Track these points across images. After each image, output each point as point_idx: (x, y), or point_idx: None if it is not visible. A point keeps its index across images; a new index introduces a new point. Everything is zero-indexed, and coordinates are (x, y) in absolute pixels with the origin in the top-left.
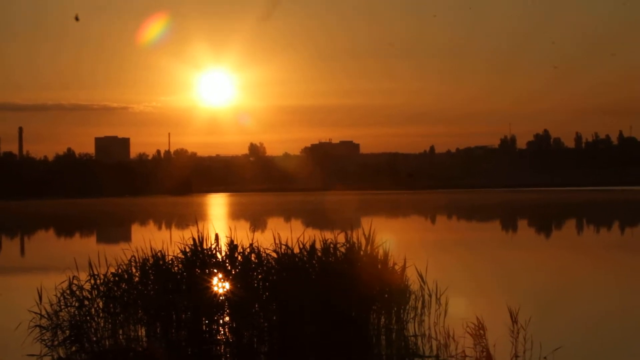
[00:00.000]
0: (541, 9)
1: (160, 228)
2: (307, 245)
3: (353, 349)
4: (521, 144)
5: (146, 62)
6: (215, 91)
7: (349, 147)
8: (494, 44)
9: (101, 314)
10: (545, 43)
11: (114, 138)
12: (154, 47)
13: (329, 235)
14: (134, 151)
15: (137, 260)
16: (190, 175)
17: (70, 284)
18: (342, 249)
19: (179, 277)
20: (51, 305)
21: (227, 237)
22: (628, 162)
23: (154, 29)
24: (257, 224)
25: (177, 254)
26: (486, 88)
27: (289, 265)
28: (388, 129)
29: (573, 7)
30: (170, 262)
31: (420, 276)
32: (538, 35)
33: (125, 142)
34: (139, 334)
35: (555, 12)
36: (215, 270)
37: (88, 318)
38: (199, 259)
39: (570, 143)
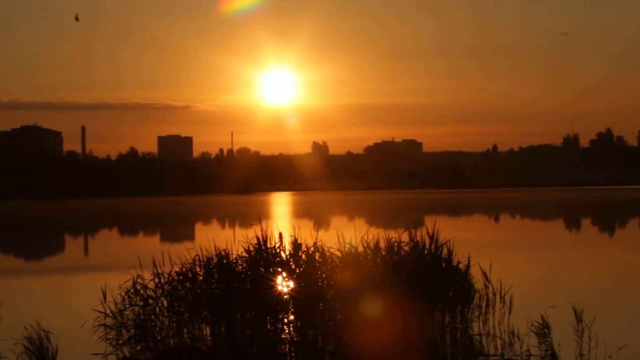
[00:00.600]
0: (603, 4)
1: (223, 227)
2: (371, 244)
3: (418, 348)
4: (584, 142)
5: (209, 62)
6: (278, 90)
7: (412, 145)
8: (555, 41)
9: (165, 313)
10: (606, 40)
11: (177, 137)
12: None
13: (392, 234)
14: (197, 150)
15: (201, 259)
16: (253, 174)
17: (135, 282)
18: (406, 248)
19: (243, 276)
20: (115, 304)
21: (290, 235)
22: None
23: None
24: (321, 222)
25: (241, 252)
26: (548, 86)
27: (353, 264)
28: (451, 127)
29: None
30: (234, 261)
31: (485, 275)
32: (599, 32)
33: (188, 141)
34: (204, 333)
35: (615, 8)
36: (279, 269)
37: (152, 317)
38: (263, 257)
39: (633, 141)
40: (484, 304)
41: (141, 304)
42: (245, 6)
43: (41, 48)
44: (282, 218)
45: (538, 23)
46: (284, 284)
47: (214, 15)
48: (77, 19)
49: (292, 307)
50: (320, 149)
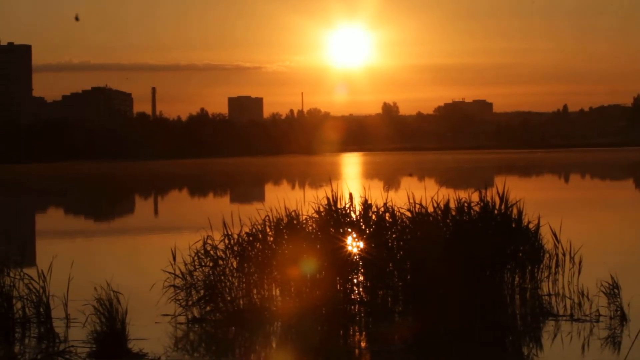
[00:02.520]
0: None
1: (293, 187)
2: (441, 205)
3: (487, 309)
4: None
5: (279, 22)
6: (349, 50)
7: (482, 106)
8: (633, 5)
9: (235, 274)
10: None
11: (247, 98)
12: None
13: (462, 195)
14: (267, 111)
15: (271, 220)
16: (324, 134)
17: (205, 243)
18: (476, 208)
19: (313, 236)
20: (185, 265)
21: (361, 196)
22: None
23: None
24: (391, 183)
25: (311, 213)
26: (620, 46)
27: (423, 224)
28: (521, 87)
29: None
30: (304, 221)
31: (554, 235)
32: None
33: (258, 102)
34: (273, 293)
35: None
36: (349, 230)
37: (222, 278)
38: (333, 218)
39: None
40: (553, 265)
41: (211, 264)
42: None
43: (109, 9)
44: (352, 179)
45: None
46: (353, 245)
47: None
48: (77, 19)
49: (361, 268)
50: (390, 109)
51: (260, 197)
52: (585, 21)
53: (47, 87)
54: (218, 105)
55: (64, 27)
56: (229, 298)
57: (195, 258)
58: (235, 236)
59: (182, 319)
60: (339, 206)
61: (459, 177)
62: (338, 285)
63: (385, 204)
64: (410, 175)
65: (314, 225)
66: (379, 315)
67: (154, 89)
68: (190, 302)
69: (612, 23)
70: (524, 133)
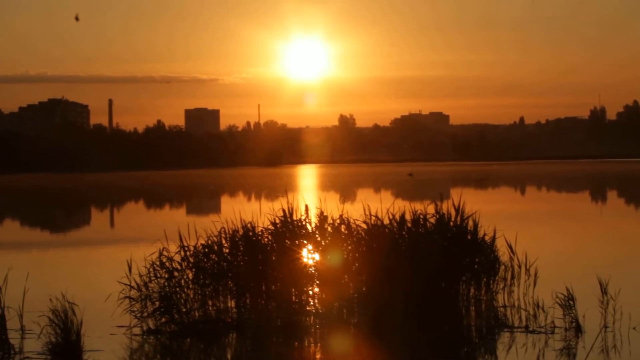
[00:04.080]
0: None
1: (250, 199)
2: (397, 217)
3: (443, 320)
4: (611, 114)
5: (236, 34)
6: (305, 62)
7: (439, 118)
8: (588, 16)
9: (191, 285)
10: (635, 14)
11: (204, 110)
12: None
13: (418, 206)
14: (224, 123)
15: (227, 231)
16: (280, 146)
17: (160, 255)
18: (432, 220)
19: (268, 248)
20: (141, 276)
21: (317, 208)
22: None
23: None
24: (347, 195)
25: (267, 225)
26: (576, 60)
27: (378, 236)
28: (478, 100)
29: None
30: (260, 233)
31: (510, 247)
32: (631, 6)
33: (215, 114)
34: (229, 305)
35: None
36: (305, 241)
37: (178, 289)
38: (289, 230)
39: None
40: (509, 276)
41: (166, 276)
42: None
43: (68, 21)
44: (308, 190)
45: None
46: (309, 256)
47: None
48: (77, 19)
49: (317, 279)
50: (347, 121)
51: (216, 209)
52: (542, 35)
53: (3, 99)
54: (175, 117)
55: (21, 39)
56: (184, 309)
57: (151, 269)
58: (191, 248)
59: (137, 330)
60: (294, 218)
61: (415, 188)
62: (293, 297)
63: (341, 215)
64: (410, 175)
65: (269, 236)
66: (334, 326)
67: (110, 101)
68: (145, 314)
69: (570, 38)
70: (481, 145)
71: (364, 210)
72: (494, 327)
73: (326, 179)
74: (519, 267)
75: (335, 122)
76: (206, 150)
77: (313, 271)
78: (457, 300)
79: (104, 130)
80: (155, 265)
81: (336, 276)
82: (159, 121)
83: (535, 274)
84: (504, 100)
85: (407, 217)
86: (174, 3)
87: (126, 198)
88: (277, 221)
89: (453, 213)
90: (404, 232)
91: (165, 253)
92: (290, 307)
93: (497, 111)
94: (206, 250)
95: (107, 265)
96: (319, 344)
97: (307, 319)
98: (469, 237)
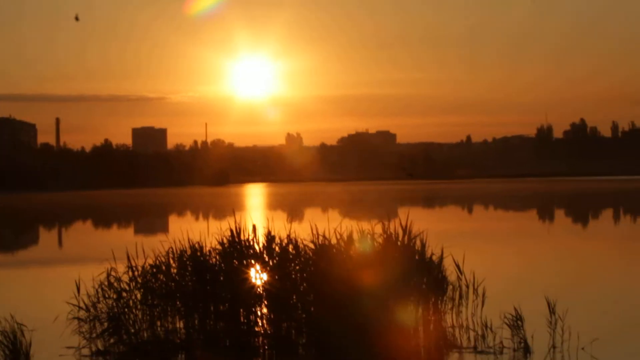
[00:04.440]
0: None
1: (197, 219)
2: (344, 236)
3: (390, 340)
4: (558, 133)
5: (183, 52)
6: (252, 81)
7: (386, 137)
8: (531, 33)
9: (139, 306)
10: (580, 31)
11: (151, 129)
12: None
13: (365, 226)
14: (171, 142)
15: (175, 251)
16: (228, 165)
17: (108, 275)
18: (380, 240)
19: (216, 268)
20: (89, 297)
21: (264, 227)
22: None
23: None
24: (295, 214)
25: (215, 245)
26: (521, 78)
27: (326, 256)
28: (424, 118)
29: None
30: (208, 253)
31: (458, 267)
32: (571, 24)
33: (162, 133)
34: (177, 325)
35: (596, 2)
36: (252, 262)
37: (126, 310)
38: (237, 250)
39: (606, 132)
40: (457, 296)
41: (115, 296)
42: (209, 5)
43: (13, 39)
44: (256, 210)
45: (529, 16)
46: (257, 277)
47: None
48: (77, 19)
49: (265, 300)
50: (294, 140)
51: (164, 229)
52: (489, 53)
53: None
54: (122, 136)
55: None
56: (132, 330)
57: (99, 290)
58: (139, 268)
59: (86, 351)
60: (242, 238)
61: (362, 208)
62: (241, 317)
63: (288, 235)
64: (411, 175)
65: (217, 257)
66: (282, 347)
67: (57, 120)
68: (94, 335)
69: (516, 56)
70: (427, 164)
71: (312, 230)
72: (442, 347)
73: (273, 198)
74: (467, 287)
75: (283, 141)
76: (154, 169)
77: (261, 291)
78: (404, 320)
79: (51, 149)
80: (103, 286)
81: (284, 296)
82: (106, 140)
83: (483, 294)
84: (451, 118)
85: (355, 236)
86: (122, 22)
87: (74, 217)
88: (225, 241)
89: (400, 233)
90: (351, 252)
91: (113, 273)
92: (238, 327)
93: (444, 129)
94: (154, 270)
95: (55, 285)
96: None
97: (256, 339)
98: (416, 257)
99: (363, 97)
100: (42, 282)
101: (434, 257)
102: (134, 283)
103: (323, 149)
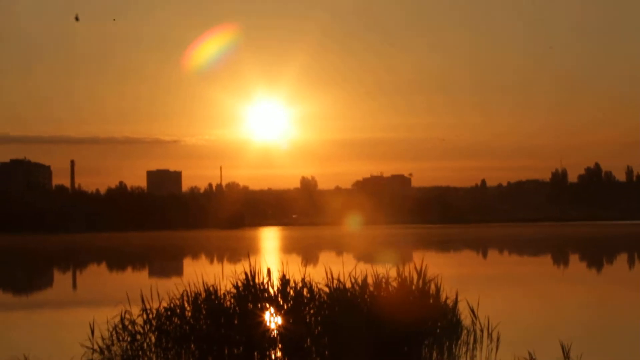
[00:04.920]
0: (595, 44)
1: (212, 262)
2: (359, 280)
3: None
4: (572, 177)
5: (198, 95)
6: (267, 125)
7: (401, 181)
8: (549, 79)
9: (153, 349)
10: (595, 78)
11: (166, 171)
12: (201, 75)
13: (380, 270)
14: (186, 184)
15: (189, 294)
16: (242, 208)
17: (123, 318)
18: (394, 284)
19: (231, 311)
20: (103, 339)
21: (279, 271)
22: None
23: (203, 54)
24: (309, 258)
25: (230, 288)
26: (537, 122)
27: (340, 299)
28: (440, 162)
29: (624, 41)
30: (222, 296)
31: (472, 311)
32: (589, 69)
33: (177, 176)
34: None
35: (606, 47)
36: (267, 305)
37: (140, 353)
38: (251, 293)
39: (621, 176)
40: (471, 340)
41: (129, 339)
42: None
43: (30, 82)
44: (270, 253)
45: (534, 61)
46: (272, 320)
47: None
48: (77, 19)
49: (280, 343)
50: (308, 184)
51: (179, 272)
52: (508, 98)
53: None
54: (137, 179)
55: None
56: None
57: (113, 332)
58: (154, 310)
59: None
60: (257, 281)
61: (377, 252)
62: None
63: (303, 279)
64: (410, 175)
65: (232, 300)
66: None
67: (72, 162)
68: None
69: (534, 100)
70: (442, 208)
71: (326, 274)
72: None
73: (288, 242)
74: (481, 331)
75: (297, 184)
76: (168, 212)
77: (275, 335)
78: None
79: (66, 191)
80: (117, 328)
81: (298, 340)
82: (121, 182)
83: (498, 338)
84: (466, 163)
85: (369, 280)
86: (138, 65)
87: (89, 259)
88: (240, 284)
89: (415, 277)
90: (366, 296)
91: (127, 316)
92: None
93: (458, 174)
94: (169, 313)
95: (69, 327)
96: None
97: None
98: (431, 301)
99: (378, 141)
100: (57, 324)
101: (448, 301)
102: (148, 326)
103: (338, 192)
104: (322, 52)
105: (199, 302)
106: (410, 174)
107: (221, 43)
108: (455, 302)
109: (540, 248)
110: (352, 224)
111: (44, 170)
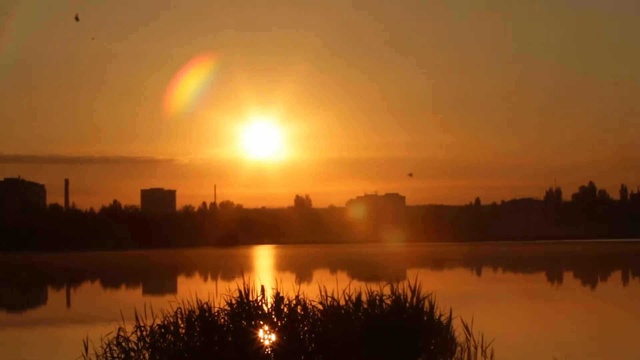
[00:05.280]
0: (587, 59)
1: (206, 280)
2: (353, 297)
3: None
4: (566, 196)
5: (192, 115)
6: (261, 143)
7: (395, 199)
8: (540, 96)
9: None
10: (590, 95)
11: (160, 190)
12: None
13: (374, 287)
14: (180, 203)
15: (183, 311)
16: (236, 227)
17: (117, 335)
18: (388, 301)
19: (225, 329)
20: (97, 356)
21: (273, 288)
22: None
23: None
24: (303, 275)
25: (223, 305)
26: (531, 141)
27: (334, 316)
28: (434, 181)
29: (619, 57)
30: (216, 313)
31: (466, 327)
32: (584, 87)
33: (171, 194)
34: None
35: (601, 61)
36: (261, 322)
37: None
38: (245, 310)
39: (615, 195)
40: (465, 357)
41: (123, 356)
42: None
43: (24, 101)
44: (264, 271)
45: (523, 78)
46: (266, 337)
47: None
48: (77, 19)
49: None
50: (302, 202)
51: (173, 289)
52: (501, 116)
53: None
54: (131, 198)
55: None
56: None
57: (107, 350)
58: (148, 328)
59: None
60: (251, 298)
61: (371, 269)
62: None
63: (297, 296)
64: (410, 175)
65: (226, 317)
66: None
67: (66, 181)
68: None
69: (528, 118)
70: (436, 226)
71: (320, 291)
72: None
73: (282, 260)
74: (475, 347)
75: (291, 203)
76: (162, 230)
77: (269, 352)
78: None
79: (60, 210)
80: (111, 345)
81: (292, 357)
82: (115, 201)
83: (492, 355)
84: (460, 181)
85: (363, 297)
86: (132, 84)
87: (82, 277)
88: (234, 302)
89: (409, 294)
90: (360, 314)
91: (121, 333)
92: None
93: (452, 192)
94: (162, 330)
95: (63, 344)
96: None
97: None
98: (425, 318)
99: (372, 160)
100: (50, 342)
101: (442, 318)
102: (142, 343)
103: (332, 210)
104: (315, 72)
105: (193, 319)
106: (410, 174)
107: (211, 67)
108: (449, 319)
109: (534, 266)
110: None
111: (38, 189)
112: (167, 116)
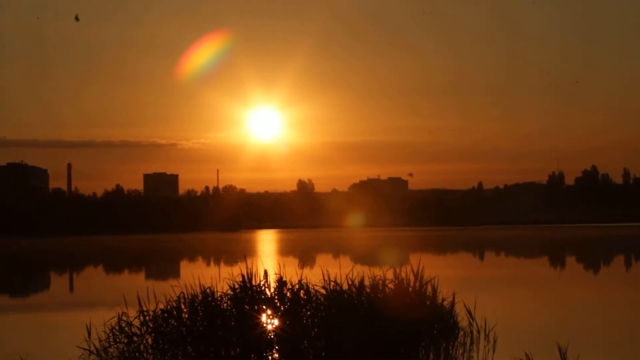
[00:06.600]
0: (596, 48)
1: (209, 264)
2: (356, 282)
3: None
4: (569, 180)
5: (195, 99)
6: (264, 128)
7: (397, 183)
8: (545, 82)
9: (150, 350)
10: (592, 80)
11: (163, 174)
12: (196, 81)
13: (377, 272)
14: (183, 188)
15: (186, 296)
16: (239, 211)
17: (119, 320)
18: (391, 285)
19: (227, 313)
20: (100, 341)
21: (276, 273)
22: None
23: (197, 61)
24: (306, 260)
25: (226, 290)
26: (535, 125)
27: (337, 301)
28: (436, 165)
29: (626, 47)
30: (219, 298)
31: (469, 312)
32: (584, 72)
33: (173, 179)
34: None
35: (602, 50)
36: (264, 307)
37: (137, 354)
38: (248, 295)
39: (618, 179)
40: (468, 341)
41: (125, 341)
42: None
43: (27, 85)
44: (267, 256)
45: (525, 63)
46: (268, 321)
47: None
48: (77, 19)
49: (276, 344)
50: (305, 186)
51: (176, 274)
52: (503, 100)
53: None
54: (133, 182)
55: None
56: None
57: (110, 334)
58: (150, 312)
59: None
60: (253, 283)
61: (374, 254)
62: None
63: (300, 281)
64: (410, 175)
65: (228, 302)
66: None
67: (69, 165)
68: None
69: (529, 104)
70: (439, 210)
71: (323, 276)
72: None
73: (285, 244)
74: (478, 332)
75: (294, 187)
76: (165, 215)
77: (272, 337)
78: None
79: (62, 195)
80: (114, 330)
81: (295, 342)
82: (117, 185)
83: (494, 340)
84: (462, 165)
85: (366, 282)
86: (135, 69)
87: (85, 262)
88: (236, 286)
89: (412, 279)
90: (362, 298)
91: (124, 318)
92: None
93: (455, 176)
94: (165, 315)
95: (66, 329)
96: None
97: None
98: (427, 303)
99: (375, 144)
100: (53, 326)
101: (445, 303)
102: (145, 327)
103: (335, 194)
104: (317, 58)
105: (196, 303)
106: (411, 174)
107: (217, 47)
108: (452, 303)
109: (537, 250)
110: (355, 222)
111: (41, 174)
112: (170, 100)
